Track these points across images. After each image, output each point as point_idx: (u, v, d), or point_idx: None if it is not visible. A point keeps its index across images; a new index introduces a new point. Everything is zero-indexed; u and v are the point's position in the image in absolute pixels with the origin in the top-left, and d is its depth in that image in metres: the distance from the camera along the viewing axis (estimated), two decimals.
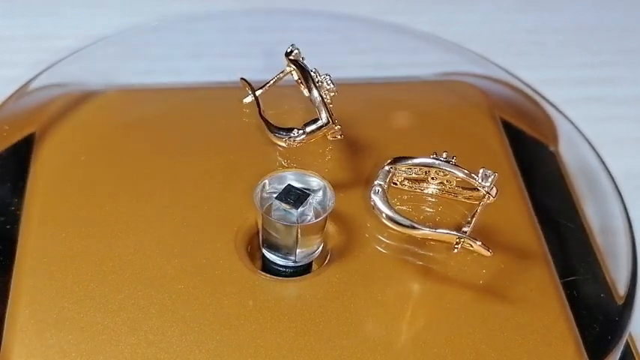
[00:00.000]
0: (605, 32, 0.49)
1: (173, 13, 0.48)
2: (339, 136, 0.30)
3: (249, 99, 0.32)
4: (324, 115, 0.30)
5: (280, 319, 0.26)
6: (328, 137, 0.30)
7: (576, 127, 0.34)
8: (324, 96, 0.30)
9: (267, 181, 0.28)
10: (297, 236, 0.27)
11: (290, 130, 0.30)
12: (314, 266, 0.28)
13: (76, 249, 0.28)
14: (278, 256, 0.27)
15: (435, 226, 0.27)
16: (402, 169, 0.29)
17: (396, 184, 0.29)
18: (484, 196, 0.28)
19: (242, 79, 0.32)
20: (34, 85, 0.34)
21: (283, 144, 0.30)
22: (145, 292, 0.27)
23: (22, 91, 0.34)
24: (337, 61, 0.40)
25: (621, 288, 0.28)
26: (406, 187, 0.30)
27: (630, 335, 0.28)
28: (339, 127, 0.30)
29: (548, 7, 0.51)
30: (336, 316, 0.26)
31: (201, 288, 0.27)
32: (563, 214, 0.31)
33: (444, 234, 0.27)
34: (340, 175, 0.30)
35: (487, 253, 0.26)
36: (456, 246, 0.27)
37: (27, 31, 0.46)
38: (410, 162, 0.28)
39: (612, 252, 0.30)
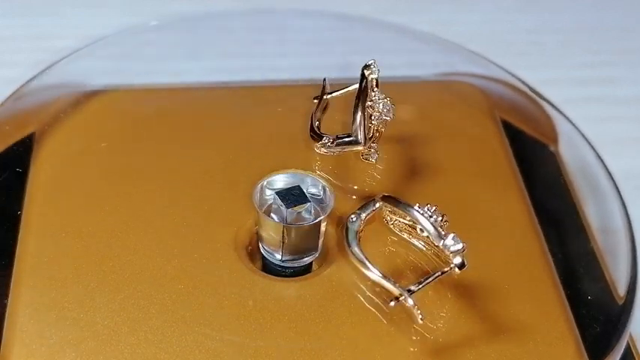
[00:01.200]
0: (605, 32, 0.49)
1: (173, 13, 0.48)
2: (373, 160, 0.30)
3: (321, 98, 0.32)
4: (360, 135, 0.30)
5: (280, 319, 0.26)
6: (361, 157, 0.30)
7: (576, 127, 0.34)
8: (375, 117, 0.30)
9: (265, 181, 0.28)
10: (283, 235, 0.27)
11: (323, 136, 0.30)
12: (314, 266, 0.28)
13: (76, 249, 0.28)
14: (270, 254, 0.28)
15: (386, 274, 0.26)
16: (388, 210, 0.28)
17: (387, 220, 0.29)
18: (450, 268, 0.26)
19: (324, 79, 0.32)
20: (33, 85, 0.34)
21: (316, 148, 0.30)
22: (145, 292, 0.27)
23: (21, 91, 0.34)
24: (337, 61, 0.40)
25: (621, 288, 0.28)
26: (397, 230, 0.29)
27: (630, 335, 0.28)
28: (374, 152, 0.30)
29: (548, 7, 0.51)
30: (336, 316, 0.26)
31: (201, 288, 0.27)
32: (563, 214, 0.31)
33: (388, 285, 0.26)
34: (340, 176, 0.30)
35: (419, 321, 0.25)
36: (395, 300, 0.25)
37: (27, 31, 0.46)
38: (394, 204, 0.28)
39: (612, 252, 0.30)
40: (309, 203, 0.27)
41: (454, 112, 0.34)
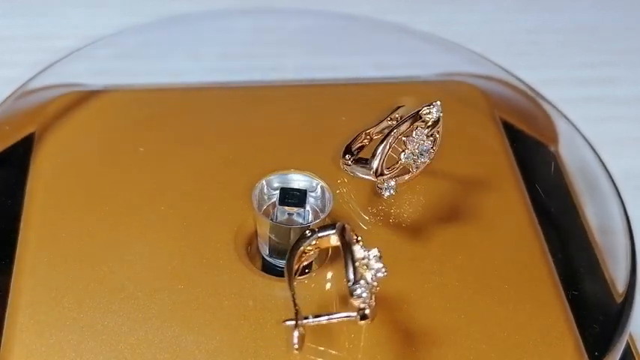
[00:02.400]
0: (605, 32, 0.49)
1: (173, 13, 0.48)
2: (384, 195, 0.29)
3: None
4: (375, 164, 0.28)
5: (280, 319, 0.26)
6: (376, 187, 0.29)
7: (576, 128, 0.34)
8: (406, 155, 0.28)
9: (264, 182, 0.28)
10: (290, 237, 0.27)
11: (347, 153, 0.29)
12: (314, 266, 0.28)
13: (75, 249, 0.28)
14: (277, 258, 0.28)
15: (295, 295, 0.25)
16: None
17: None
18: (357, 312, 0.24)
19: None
20: (33, 85, 0.34)
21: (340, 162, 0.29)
22: (145, 292, 0.27)
23: (21, 91, 0.34)
24: (337, 61, 0.40)
25: (621, 288, 0.28)
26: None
27: (630, 335, 0.28)
28: (389, 188, 0.29)
29: (548, 7, 0.51)
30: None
31: (201, 288, 0.27)
32: (563, 214, 0.31)
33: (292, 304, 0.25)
34: (339, 176, 0.30)
35: (294, 348, 0.24)
36: (289, 320, 0.24)
37: (27, 31, 0.46)
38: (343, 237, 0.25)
39: (612, 252, 0.30)
40: (301, 209, 0.27)
41: (454, 112, 0.34)
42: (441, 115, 0.28)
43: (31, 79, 0.34)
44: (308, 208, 0.27)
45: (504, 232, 0.29)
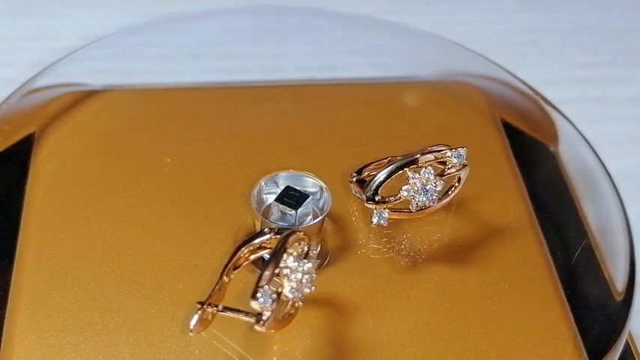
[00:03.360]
0: (605, 32, 0.49)
1: (173, 13, 0.48)
2: (372, 222, 0.27)
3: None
4: (369, 188, 0.27)
5: None
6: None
7: (576, 128, 0.34)
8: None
9: (263, 182, 0.28)
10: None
11: (359, 171, 0.28)
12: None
13: (76, 249, 0.28)
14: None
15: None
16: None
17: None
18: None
19: None
20: (33, 85, 0.34)
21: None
22: (145, 292, 0.27)
23: (21, 91, 0.34)
24: (337, 61, 0.40)
25: (620, 287, 0.28)
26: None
27: (630, 334, 0.28)
28: (378, 215, 0.27)
29: (548, 7, 0.51)
30: (336, 317, 0.26)
31: (201, 288, 0.27)
32: (563, 214, 0.31)
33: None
34: (338, 176, 0.30)
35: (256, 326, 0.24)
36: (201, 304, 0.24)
37: (27, 31, 0.46)
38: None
39: (611, 251, 0.30)
40: (310, 196, 0.27)
41: (454, 112, 0.34)
42: (465, 164, 0.27)
43: (31, 79, 0.34)
44: (305, 211, 0.27)
45: (504, 232, 0.29)
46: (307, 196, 0.27)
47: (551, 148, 0.34)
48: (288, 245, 0.24)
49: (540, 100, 0.35)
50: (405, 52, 0.39)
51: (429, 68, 0.37)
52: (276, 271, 0.23)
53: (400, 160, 0.27)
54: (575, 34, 0.49)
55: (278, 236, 0.25)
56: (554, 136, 0.34)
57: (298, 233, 0.24)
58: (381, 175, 0.27)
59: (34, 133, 0.32)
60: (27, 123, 0.33)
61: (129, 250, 0.28)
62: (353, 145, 0.32)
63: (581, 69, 0.46)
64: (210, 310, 0.24)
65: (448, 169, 0.27)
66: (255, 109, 0.34)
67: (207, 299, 0.24)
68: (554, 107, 0.35)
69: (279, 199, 0.27)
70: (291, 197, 0.27)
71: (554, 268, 0.28)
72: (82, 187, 0.30)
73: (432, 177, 0.27)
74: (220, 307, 0.25)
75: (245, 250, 0.25)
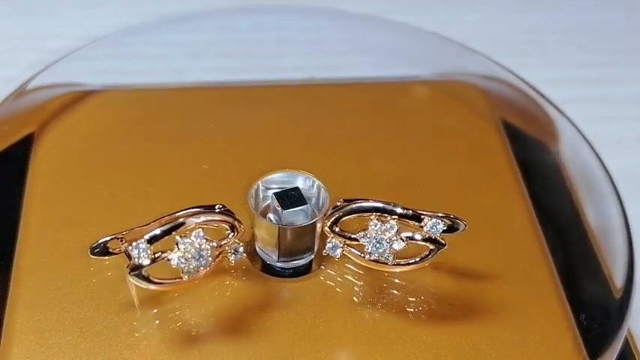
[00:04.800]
0: (606, 32, 0.49)
1: (173, 12, 0.48)
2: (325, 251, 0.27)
3: None
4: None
5: (280, 319, 0.26)
6: None
7: (576, 127, 0.34)
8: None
9: (260, 182, 0.28)
10: (278, 237, 0.27)
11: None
12: (314, 266, 0.28)
13: (75, 249, 0.28)
14: (266, 255, 0.28)
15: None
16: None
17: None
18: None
19: None
20: (33, 84, 0.34)
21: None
22: (145, 293, 0.27)
23: (21, 91, 0.34)
24: (337, 61, 0.40)
25: (620, 287, 0.28)
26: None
27: (629, 331, 0.28)
28: (330, 246, 0.27)
29: (548, 7, 0.51)
30: (336, 317, 0.26)
31: (201, 288, 0.27)
32: (563, 214, 0.31)
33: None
34: (337, 176, 0.30)
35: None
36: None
37: (27, 31, 0.46)
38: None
39: (611, 251, 0.30)
40: (307, 204, 0.27)
41: (454, 111, 0.34)
42: (442, 243, 0.26)
43: (30, 79, 0.34)
44: (292, 216, 0.27)
45: (504, 232, 0.29)
46: (305, 203, 0.27)
47: (552, 148, 0.34)
48: (202, 218, 0.24)
49: (540, 100, 0.35)
50: (405, 52, 0.39)
51: (429, 68, 0.37)
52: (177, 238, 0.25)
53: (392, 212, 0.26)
54: (575, 34, 0.49)
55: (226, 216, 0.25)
56: (554, 136, 0.34)
57: (218, 208, 0.25)
58: (338, 208, 0.26)
59: (34, 132, 0.32)
60: (26, 123, 0.33)
61: None
62: (353, 145, 0.32)
63: (582, 69, 0.46)
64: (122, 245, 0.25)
65: (421, 235, 0.26)
66: (255, 109, 0.34)
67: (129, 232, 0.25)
68: (555, 107, 0.35)
69: (279, 194, 0.27)
70: (291, 197, 0.27)
71: (554, 268, 0.28)
72: (82, 187, 0.30)
73: (385, 233, 0.26)
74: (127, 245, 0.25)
75: (190, 212, 0.25)
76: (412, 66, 0.38)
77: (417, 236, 0.26)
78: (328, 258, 0.28)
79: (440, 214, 0.26)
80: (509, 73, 0.36)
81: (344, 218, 0.26)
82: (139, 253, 0.25)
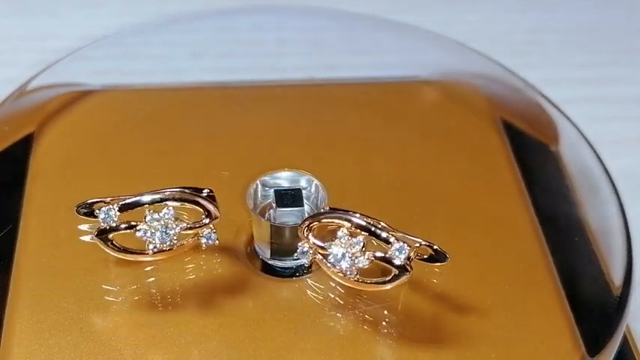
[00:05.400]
0: (606, 32, 0.49)
1: (173, 12, 0.48)
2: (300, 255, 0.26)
3: None
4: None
5: (280, 319, 0.26)
6: None
7: (577, 127, 0.34)
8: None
9: (259, 182, 0.28)
10: (270, 234, 0.27)
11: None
12: (314, 266, 0.28)
13: (75, 249, 0.28)
14: (263, 253, 0.28)
15: None
16: None
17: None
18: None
19: None
20: (33, 84, 0.34)
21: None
22: (145, 293, 0.27)
23: (21, 91, 0.34)
24: (337, 61, 0.40)
25: (619, 286, 0.28)
26: None
27: (629, 331, 0.28)
28: (302, 251, 0.26)
29: (548, 7, 0.51)
30: (336, 317, 0.26)
31: (201, 288, 0.27)
32: (563, 214, 0.31)
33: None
34: (337, 176, 0.30)
35: None
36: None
37: (27, 31, 0.46)
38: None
39: (611, 251, 0.30)
40: (303, 191, 0.27)
41: (454, 111, 0.34)
42: (407, 269, 0.25)
43: (30, 79, 0.34)
44: (305, 207, 0.27)
45: (504, 232, 0.29)
46: (300, 205, 0.27)
47: (552, 148, 0.34)
48: (181, 197, 0.25)
49: (541, 100, 0.35)
50: (405, 51, 0.39)
51: (429, 68, 0.37)
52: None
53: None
54: (575, 34, 0.49)
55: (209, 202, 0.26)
56: (554, 136, 0.34)
57: (205, 194, 0.25)
58: (312, 216, 0.25)
59: (34, 132, 0.32)
60: (26, 123, 0.33)
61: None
62: (353, 145, 0.32)
63: (582, 69, 0.46)
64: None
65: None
66: (255, 109, 0.34)
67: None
68: (555, 107, 0.35)
69: (279, 192, 0.27)
70: (289, 197, 0.27)
71: (554, 267, 0.28)
72: (82, 187, 0.30)
73: (351, 248, 0.25)
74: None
75: (175, 191, 0.26)
76: (412, 66, 0.38)
77: (384, 256, 0.25)
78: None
79: (423, 242, 0.25)
80: (510, 73, 0.36)
81: (315, 224, 0.26)
82: (104, 217, 0.25)
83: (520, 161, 0.32)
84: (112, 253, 0.26)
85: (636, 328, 0.29)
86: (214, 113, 0.34)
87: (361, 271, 0.25)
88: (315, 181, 0.28)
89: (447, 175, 0.31)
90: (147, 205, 0.25)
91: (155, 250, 0.26)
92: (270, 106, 0.34)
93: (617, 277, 0.28)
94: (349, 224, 0.25)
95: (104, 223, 0.25)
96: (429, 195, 0.30)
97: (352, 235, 0.25)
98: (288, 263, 0.28)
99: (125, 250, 0.26)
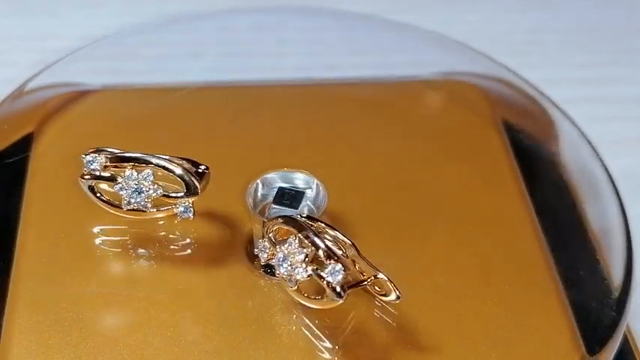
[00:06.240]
0: (606, 32, 0.49)
1: (173, 12, 0.48)
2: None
3: None
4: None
5: (280, 319, 0.26)
6: None
7: (577, 127, 0.34)
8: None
9: (259, 181, 0.28)
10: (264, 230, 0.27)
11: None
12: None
13: (75, 249, 0.28)
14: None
15: None
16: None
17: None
18: None
19: None
20: (32, 84, 0.34)
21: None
22: (145, 293, 0.27)
23: (20, 91, 0.34)
24: (337, 61, 0.40)
25: (618, 286, 0.28)
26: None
27: (629, 330, 0.28)
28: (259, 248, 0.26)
29: (548, 7, 0.51)
30: (336, 317, 0.26)
31: (201, 288, 0.27)
32: (563, 214, 0.31)
33: None
34: (337, 176, 0.30)
35: None
36: None
37: (27, 31, 0.46)
38: None
39: (611, 251, 0.30)
40: (305, 192, 0.27)
41: (454, 111, 0.34)
42: (338, 290, 0.24)
43: (30, 79, 0.34)
44: (304, 208, 0.27)
45: (504, 232, 0.29)
46: (296, 208, 0.27)
47: (552, 148, 0.34)
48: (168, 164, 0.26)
49: (541, 100, 0.35)
50: (406, 51, 0.39)
51: (429, 68, 0.37)
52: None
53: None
54: (575, 34, 0.49)
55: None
56: (554, 136, 0.34)
57: (193, 179, 0.26)
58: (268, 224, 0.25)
59: (33, 132, 0.32)
60: (26, 122, 0.33)
61: (128, 250, 0.28)
62: (352, 145, 0.32)
63: (582, 69, 0.46)
64: None
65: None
66: (255, 109, 0.34)
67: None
68: (555, 107, 0.35)
69: (282, 190, 0.27)
70: (289, 197, 0.27)
71: (554, 267, 0.28)
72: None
73: (297, 255, 0.24)
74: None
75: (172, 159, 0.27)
76: (412, 66, 0.38)
77: (322, 274, 0.24)
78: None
79: (381, 276, 0.25)
80: (510, 73, 0.36)
81: (274, 227, 0.25)
82: (90, 163, 0.27)
83: (520, 161, 0.32)
84: (92, 198, 0.27)
85: (636, 328, 0.29)
86: (214, 113, 0.34)
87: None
88: (316, 181, 0.28)
89: (448, 174, 0.31)
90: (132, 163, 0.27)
91: (128, 207, 0.27)
92: (270, 106, 0.34)
93: (617, 277, 0.28)
94: (299, 234, 0.25)
95: (87, 168, 0.27)
96: (429, 195, 0.30)
97: (302, 245, 0.25)
98: None
99: (103, 200, 0.27)
